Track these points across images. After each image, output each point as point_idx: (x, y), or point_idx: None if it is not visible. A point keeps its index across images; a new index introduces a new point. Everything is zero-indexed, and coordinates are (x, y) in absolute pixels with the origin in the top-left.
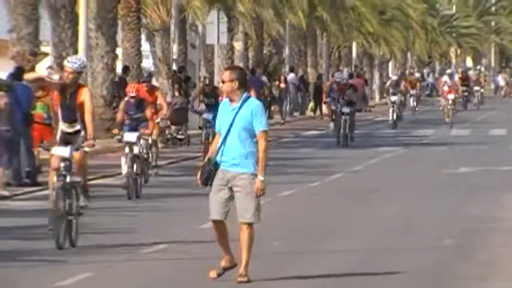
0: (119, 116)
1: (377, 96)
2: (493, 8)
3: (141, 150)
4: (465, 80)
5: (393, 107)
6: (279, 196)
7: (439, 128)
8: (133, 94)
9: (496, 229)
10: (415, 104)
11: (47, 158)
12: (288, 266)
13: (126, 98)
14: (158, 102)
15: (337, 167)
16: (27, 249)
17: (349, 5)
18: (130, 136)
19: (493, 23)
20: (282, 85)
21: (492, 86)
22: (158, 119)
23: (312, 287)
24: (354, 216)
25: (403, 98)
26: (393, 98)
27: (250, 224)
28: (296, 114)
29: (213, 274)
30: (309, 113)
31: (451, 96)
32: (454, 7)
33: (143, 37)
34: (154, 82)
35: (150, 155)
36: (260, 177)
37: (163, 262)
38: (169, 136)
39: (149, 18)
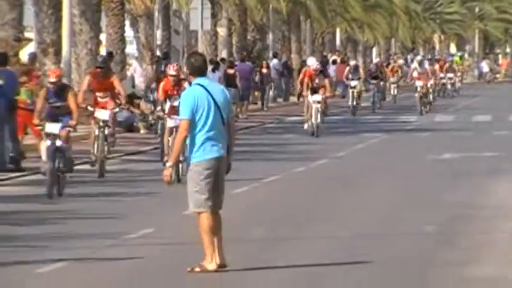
0: (38, 104)
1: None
2: None
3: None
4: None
5: (352, 92)
6: (264, 181)
7: (428, 111)
8: (53, 79)
9: (477, 216)
10: (395, 91)
11: (31, 143)
12: (271, 252)
13: (47, 85)
14: (116, 89)
15: (322, 153)
16: (10, 235)
17: None
18: (52, 127)
19: (476, 9)
20: (265, 70)
21: (476, 72)
22: (117, 109)
23: (294, 274)
24: (338, 202)
25: (381, 83)
26: (353, 83)
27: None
28: (280, 100)
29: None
30: (293, 98)
31: (419, 83)
32: None
33: (127, 23)
34: (138, 68)
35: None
36: (167, 164)
37: (148, 248)
38: (152, 122)
39: (133, 4)
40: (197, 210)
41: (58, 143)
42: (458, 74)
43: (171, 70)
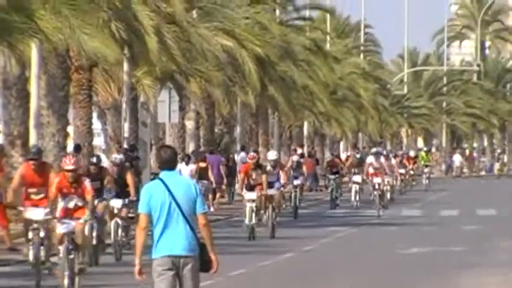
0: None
1: None
2: (445, 89)
3: None
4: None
5: (295, 191)
6: (229, 275)
7: (387, 207)
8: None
9: None
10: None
11: None
12: None
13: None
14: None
15: (288, 246)
16: None
17: (301, 84)
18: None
19: (444, 104)
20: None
21: (443, 167)
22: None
23: None
24: None
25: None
26: (296, 182)
27: None
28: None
29: None
30: None
31: (377, 180)
32: (405, 87)
33: (95, 115)
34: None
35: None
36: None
37: None
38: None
39: (100, 96)
40: None
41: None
42: (426, 170)
43: (68, 164)
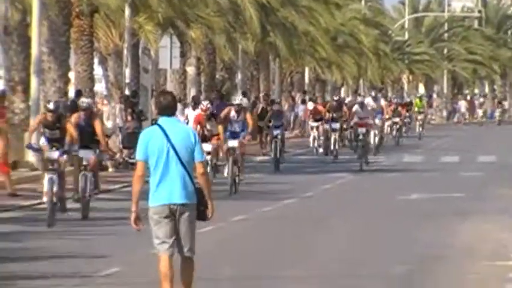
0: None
1: None
2: (446, 35)
3: None
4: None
5: (275, 142)
6: (231, 221)
7: (389, 154)
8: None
9: (445, 256)
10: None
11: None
12: None
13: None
14: None
15: (289, 193)
16: None
17: (302, 30)
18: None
19: (445, 50)
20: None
21: (444, 113)
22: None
23: None
24: (306, 243)
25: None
26: (275, 132)
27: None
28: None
29: None
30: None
31: (361, 131)
32: (406, 34)
33: (96, 61)
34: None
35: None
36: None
37: (116, 287)
38: (121, 160)
39: (102, 42)
40: (156, 252)
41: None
42: (419, 117)
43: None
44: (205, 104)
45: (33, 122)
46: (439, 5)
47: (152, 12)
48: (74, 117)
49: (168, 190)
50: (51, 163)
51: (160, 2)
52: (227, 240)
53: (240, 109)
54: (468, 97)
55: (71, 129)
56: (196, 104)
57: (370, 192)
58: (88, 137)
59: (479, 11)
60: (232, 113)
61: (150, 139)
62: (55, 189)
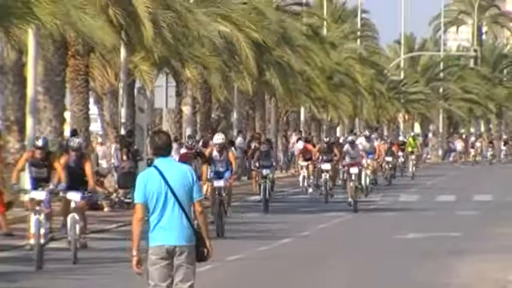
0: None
1: None
2: (441, 74)
3: None
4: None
5: (264, 182)
6: (227, 260)
7: (385, 193)
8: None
9: None
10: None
11: None
12: None
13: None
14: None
15: (286, 232)
16: None
17: (297, 70)
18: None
19: (441, 89)
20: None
21: (440, 152)
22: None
23: None
24: (304, 283)
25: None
26: (264, 172)
27: None
28: (244, 178)
29: None
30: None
31: (354, 171)
32: (402, 73)
33: (91, 100)
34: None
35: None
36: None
37: None
38: (116, 200)
39: (97, 81)
40: None
41: None
42: (413, 157)
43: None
44: (190, 142)
45: (20, 160)
46: (435, 44)
47: (147, 52)
48: (63, 158)
49: (166, 231)
50: (38, 204)
51: (156, 41)
52: (224, 280)
53: (222, 148)
54: (464, 136)
55: (59, 169)
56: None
57: (366, 231)
58: (78, 179)
59: (475, 50)
60: (215, 153)
61: (147, 181)
62: (42, 230)
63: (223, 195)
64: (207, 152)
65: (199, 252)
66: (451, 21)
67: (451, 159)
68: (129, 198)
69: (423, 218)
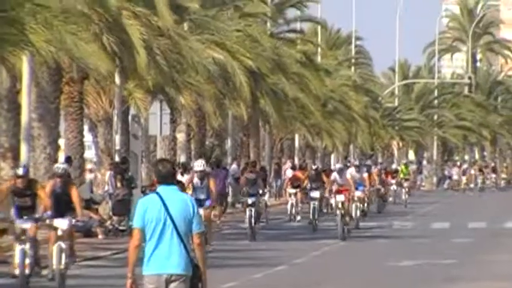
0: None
1: None
2: (436, 101)
3: None
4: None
5: (250, 211)
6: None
7: (378, 220)
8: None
9: None
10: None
11: None
12: None
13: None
14: None
15: (279, 259)
16: None
17: (292, 97)
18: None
19: (435, 116)
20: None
21: (434, 180)
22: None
23: None
24: None
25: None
26: (250, 200)
27: None
28: (238, 206)
29: None
30: None
31: (340, 198)
32: (396, 100)
33: (86, 127)
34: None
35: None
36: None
37: None
38: (111, 227)
39: (92, 108)
40: None
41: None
42: (405, 184)
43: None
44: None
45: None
46: (429, 72)
47: (141, 79)
48: (49, 184)
49: (163, 259)
50: (23, 233)
51: (150, 68)
52: None
53: (203, 175)
54: (458, 163)
55: (43, 197)
56: (185, 170)
57: (360, 258)
58: (64, 205)
59: (469, 78)
60: (196, 180)
61: (148, 207)
62: (27, 261)
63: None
64: (187, 179)
65: (193, 284)
66: (446, 48)
67: (445, 186)
68: (123, 226)
69: (417, 245)
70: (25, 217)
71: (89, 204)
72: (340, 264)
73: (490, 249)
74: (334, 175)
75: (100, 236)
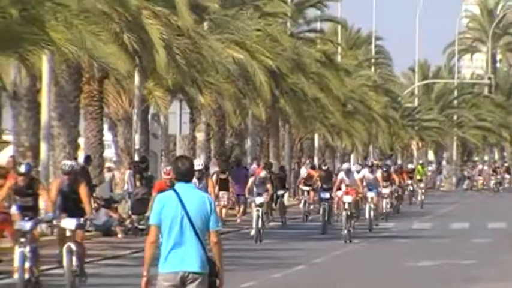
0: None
1: None
2: (455, 102)
3: None
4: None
5: (257, 211)
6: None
7: (398, 221)
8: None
9: None
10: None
11: (6, 247)
12: None
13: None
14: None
15: (299, 259)
16: None
17: (311, 97)
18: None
19: (455, 117)
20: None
21: (454, 180)
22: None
23: None
24: None
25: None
26: (258, 200)
27: None
28: None
29: None
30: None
31: (347, 199)
32: (416, 100)
33: (105, 126)
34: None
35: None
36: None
37: None
38: (130, 226)
39: (111, 107)
40: None
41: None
42: (421, 185)
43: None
44: (168, 168)
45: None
46: (449, 72)
47: (161, 79)
48: (55, 182)
49: (180, 257)
50: (23, 235)
51: (170, 68)
52: None
53: (201, 175)
54: (479, 164)
55: (45, 196)
56: (206, 169)
57: (379, 258)
58: (72, 205)
59: (489, 78)
60: (194, 180)
61: (165, 204)
62: (27, 264)
63: None
64: None
65: (211, 282)
66: (465, 48)
67: (464, 186)
68: (142, 225)
69: (436, 246)
70: (26, 218)
71: (109, 203)
72: (359, 264)
73: (510, 250)
74: (342, 174)
75: (119, 235)
